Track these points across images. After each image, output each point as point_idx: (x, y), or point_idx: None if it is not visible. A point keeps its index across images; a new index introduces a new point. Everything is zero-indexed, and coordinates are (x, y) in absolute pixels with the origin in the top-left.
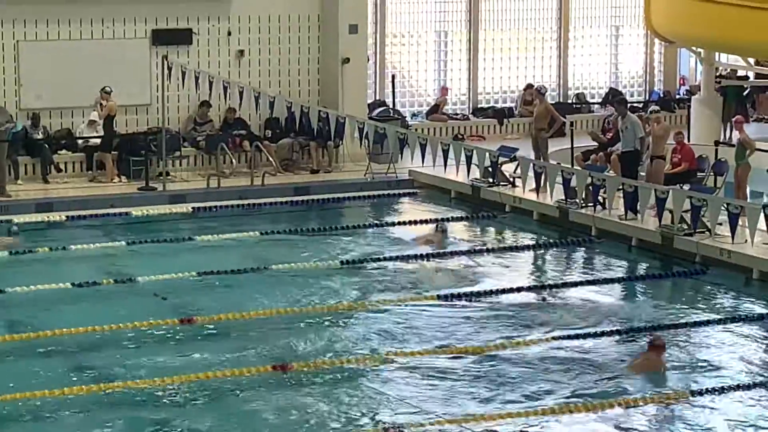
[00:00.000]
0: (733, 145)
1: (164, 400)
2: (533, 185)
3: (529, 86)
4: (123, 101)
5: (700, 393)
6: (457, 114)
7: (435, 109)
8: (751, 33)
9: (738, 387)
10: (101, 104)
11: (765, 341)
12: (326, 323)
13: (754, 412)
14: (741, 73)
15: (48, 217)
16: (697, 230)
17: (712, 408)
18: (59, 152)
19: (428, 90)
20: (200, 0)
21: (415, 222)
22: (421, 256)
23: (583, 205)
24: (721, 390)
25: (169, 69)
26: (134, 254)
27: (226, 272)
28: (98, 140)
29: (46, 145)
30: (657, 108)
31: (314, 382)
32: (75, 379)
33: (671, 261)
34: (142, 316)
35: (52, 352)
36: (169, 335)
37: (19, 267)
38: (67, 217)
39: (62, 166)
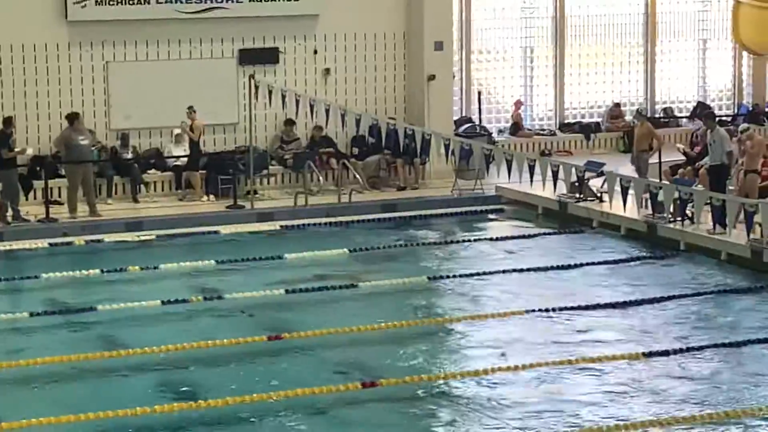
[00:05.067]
0: None
1: (253, 417)
2: (621, 200)
3: (617, 105)
4: (210, 120)
5: None
6: (543, 130)
7: (516, 127)
8: None
9: None
10: (190, 125)
11: None
12: (415, 339)
13: None
14: None
15: (138, 236)
16: None
17: None
18: (148, 171)
19: (512, 106)
20: (287, 19)
21: (503, 238)
22: (508, 272)
23: (671, 219)
24: None
25: (256, 88)
26: (223, 272)
27: (314, 290)
28: (187, 159)
29: (136, 165)
30: (747, 126)
31: (403, 398)
32: (164, 396)
33: (762, 275)
34: (231, 334)
35: (142, 369)
36: (257, 352)
37: (110, 285)
38: (156, 235)
39: (151, 185)
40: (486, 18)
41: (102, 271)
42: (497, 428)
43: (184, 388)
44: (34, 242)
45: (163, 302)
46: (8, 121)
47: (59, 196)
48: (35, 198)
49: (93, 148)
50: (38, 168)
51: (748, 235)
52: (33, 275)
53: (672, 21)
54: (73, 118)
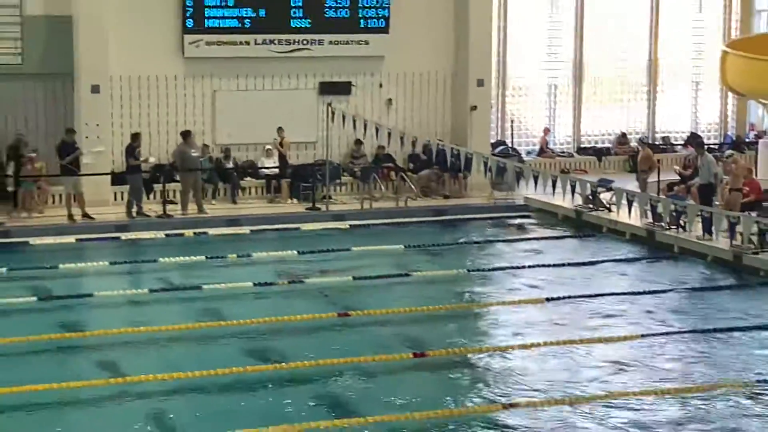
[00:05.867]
0: None
1: (324, 378)
2: (626, 210)
3: (624, 134)
4: (295, 139)
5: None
6: (563, 152)
7: (542, 149)
8: None
9: None
10: (279, 142)
11: None
12: (457, 319)
13: None
14: None
15: (236, 230)
16: (764, 249)
17: None
18: (245, 179)
19: (541, 132)
20: (358, 59)
21: (529, 239)
22: (533, 267)
23: (668, 227)
24: None
25: (332, 113)
26: (303, 261)
27: (376, 277)
28: (276, 170)
29: (235, 173)
30: (731, 152)
31: (446, 366)
32: (253, 359)
33: (741, 274)
34: (308, 310)
35: (236, 337)
36: (329, 326)
37: (213, 269)
38: (250, 230)
39: (247, 190)
40: (519, 60)
41: (206, 257)
42: (523, 391)
43: (269, 353)
44: (154, 233)
45: (254, 284)
46: (135, 136)
47: (174, 197)
48: (155, 198)
49: (201, 159)
50: (158, 174)
51: (731, 241)
52: (152, 259)
53: (671, 66)
54: (186, 134)
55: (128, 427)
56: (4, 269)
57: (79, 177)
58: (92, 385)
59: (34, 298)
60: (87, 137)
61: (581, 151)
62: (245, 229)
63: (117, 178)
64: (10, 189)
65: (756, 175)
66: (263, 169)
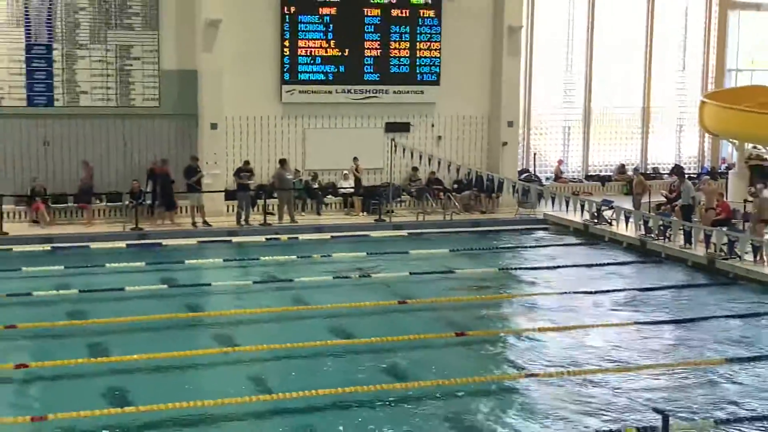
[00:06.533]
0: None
1: (388, 350)
2: (624, 224)
3: (622, 165)
4: (366, 166)
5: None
6: (574, 178)
7: (557, 176)
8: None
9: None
10: (355, 168)
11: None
12: (490, 307)
13: None
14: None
15: (320, 236)
16: (732, 256)
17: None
18: (327, 196)
19: (556, 162)
20: (415, 104)
21: (547, 246)
22: (550, 268)
23: (656, 238)
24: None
25: (395, 147)
26: (370, 260)
27: (427, 273)
28: (352, 189)
29: (320, 192)
30: (707, 177)
31: (482, 343)
32: (331, 335)
33: (714, 275)
34: (375, 298)
35: (318, 318)
36: (391, 311)
37: (302, 266)
38: (331, 236)
39: (329, 205)
40: (541, 105)
41: (297, 257)
42: (543, 362)
43: (344, 331)
44: (256, 238)
45: (333, 277)
46: (246, 163)
47: (272, 210)
48: (258, 210)
49: (294, 181)
50: (261, 192)
51: (707, 250)
52: (255, 258)
53: (660, 112)
54: (283, 161)
55: (236, 385)
56: (143, 263)
57: (200, 193)
58: (208, 353)
59: (165, 286)
60: (207, 163)
61: (588, 177)
62: (327, 235)
63: (229, 195)
64: (148, 202)
65: (726, 198)
66: (342, 189)
